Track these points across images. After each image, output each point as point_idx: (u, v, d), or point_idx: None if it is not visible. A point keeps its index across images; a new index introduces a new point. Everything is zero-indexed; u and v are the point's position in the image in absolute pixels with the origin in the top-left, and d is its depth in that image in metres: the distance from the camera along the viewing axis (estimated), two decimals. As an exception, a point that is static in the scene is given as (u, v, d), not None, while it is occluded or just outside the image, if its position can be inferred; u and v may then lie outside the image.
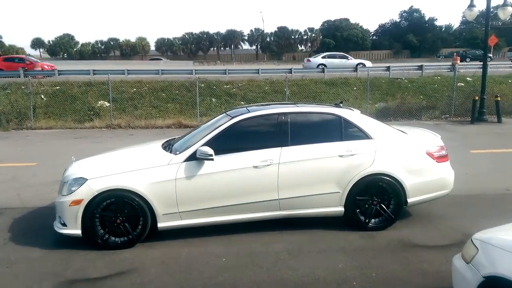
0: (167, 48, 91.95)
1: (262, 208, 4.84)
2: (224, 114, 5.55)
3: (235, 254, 4.47)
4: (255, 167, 4.74)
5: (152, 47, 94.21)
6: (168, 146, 5.30)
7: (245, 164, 4.73)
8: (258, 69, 21.84)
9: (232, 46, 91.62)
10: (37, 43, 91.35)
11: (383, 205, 5.00)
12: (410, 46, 79.66)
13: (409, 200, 5.04)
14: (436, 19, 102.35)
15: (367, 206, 5.00)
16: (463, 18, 77.09)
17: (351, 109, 5.56)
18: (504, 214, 5.31)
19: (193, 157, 4.69)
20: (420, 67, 21.88)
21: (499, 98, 13.99)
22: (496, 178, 7.38)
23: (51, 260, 4.39)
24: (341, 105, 5.80)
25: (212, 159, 4.62)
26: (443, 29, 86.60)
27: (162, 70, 21.96)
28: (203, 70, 24.65)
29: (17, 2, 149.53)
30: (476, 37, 68.89)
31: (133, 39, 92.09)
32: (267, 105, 5.97)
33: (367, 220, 5.00)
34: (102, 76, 19.22)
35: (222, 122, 5.07)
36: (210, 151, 4.60)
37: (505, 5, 13.93)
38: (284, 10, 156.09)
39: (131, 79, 19.50)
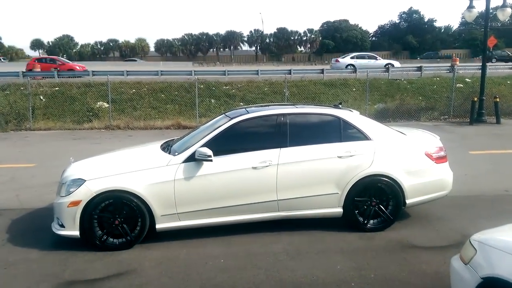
0: (166, 49, 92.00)
1: (261, 209, 4.83)
2: (223, 115, 5.55)
3: (233, 255, 4.47)
4: (254, 168, 4.74)
5: (152, 48, 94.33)
6: (167, 147, 5.29)
7: (244, 165, 4.73)
8: (258, 70, 21.82)
9: (232, 47, 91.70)
10: (36, 44, 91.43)
11: (381, 206, 5.00)
12: (409, 47, 79.74)
13: (408, 201, 5.04)
14: (436, 20, 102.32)
15: (365, 207, 5.00)
16: (463, 19, 77.07)
17: (350, 110, 5.57)
18: (503, 215, 5.32)
19: (192, 158, 4.68)
20: (419, 68, 21.90)
21: (498, 99, 14.01)
22: (495, 179, 7.38)
23: (49, 261, 4.38)
24: (340, 106, 5.79)
25: (211, 160, 4.62)
26: (443, 30, 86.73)
27: (161, 71, 21.96)
28: (202, 71, 24.66)
29: (17, 3, 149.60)
30: (475, 38, 68.94)
31: (132, 40, 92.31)
32: (266, 106, 5.97)
33: (365, 221, 5.00)
34: (101, 77, 19.26)
35: (221, 123, 5.07)
36: (209, 152, 4.60)
37: (504, 6, 13.95)
38: (283, 11, 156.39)
39: (130, 80, 19.49)
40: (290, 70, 21.82)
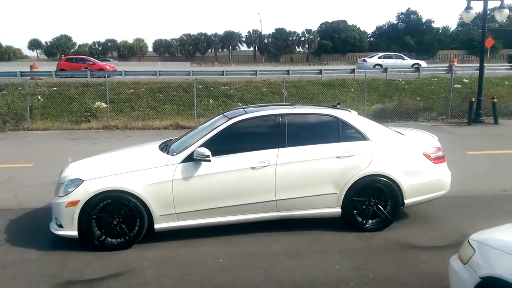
0: (164, 49, 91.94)
1: (260, 209, 4.83)
2: (222, 115, 5.55)
3: (232, 255, 4.46)
4: (253, 168, 4.73)
5: (150, 48, 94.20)
6: (165, 147, 5.29)
7: (243, 165, 4.73)
8: (256, 71, 21.80)
9: (230, 48, 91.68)
10: (34, 44, 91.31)
11: (380, 206, 5.00)
12: (407, 48, 79.88)
13: (406, 201, 5.05)
14: (433, 21, 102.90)
15: (364, 207, 5.01)
16: (460, 20, 77.24)
17: (348, 110, 5.57)
18: (501, 215, 5.32)
19: (190, 158, 4.68)
20: (417, 69, 21.94)
21: (495, 100, 14.06)
22: (493, 179, 7.40)
23: (48, 261, 4.37)
24: (339, 106, 5.81)
25: (209, 160, 4.62)
26: (440, 31, 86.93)
27: (159, 71, 21.94)
28: (200, 71, 24.62)
29: (15, 3, 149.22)
30: (473, 39, 69.21)
31: (130, 40, 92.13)
32: (264, 106, 5.97)
33: (364, 221, 5.00)
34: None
35: (219, 123, 5.07)
36: (207, 152, 4.60)
37: (501, 7, 13.99)
38: (281, 11, 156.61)
39: (128, 80, 19.47)
40: (288, 70, 21.80)
